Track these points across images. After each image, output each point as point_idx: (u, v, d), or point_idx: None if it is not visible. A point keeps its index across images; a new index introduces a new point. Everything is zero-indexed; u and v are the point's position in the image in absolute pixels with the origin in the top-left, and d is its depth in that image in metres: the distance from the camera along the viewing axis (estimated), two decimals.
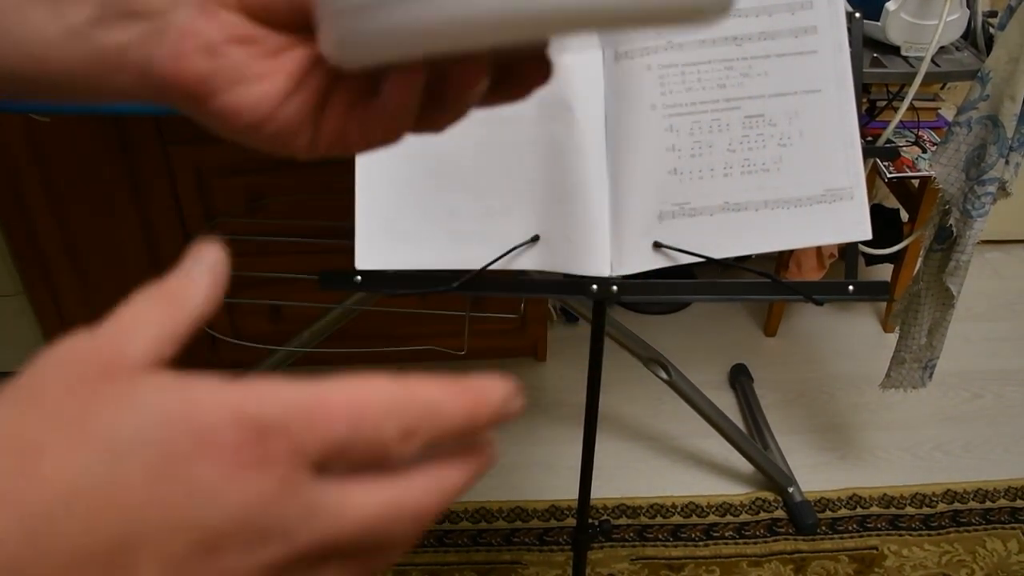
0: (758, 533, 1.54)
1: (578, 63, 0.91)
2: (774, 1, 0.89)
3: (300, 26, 0.30)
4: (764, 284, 0.94)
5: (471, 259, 0.90)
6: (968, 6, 1.16)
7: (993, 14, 1.19)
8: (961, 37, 1.22)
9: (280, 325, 1.71)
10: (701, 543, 1.53)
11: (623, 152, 0.90)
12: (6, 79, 0.31)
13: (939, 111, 1.77)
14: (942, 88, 1.78)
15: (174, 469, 0.18)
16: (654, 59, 0.90)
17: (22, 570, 0.16)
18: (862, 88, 0.93)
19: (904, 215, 1.91)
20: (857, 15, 0.94)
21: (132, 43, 0.30)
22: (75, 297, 1.67)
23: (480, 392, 0.23)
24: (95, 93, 0.31)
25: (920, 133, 1.76)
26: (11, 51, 0.30)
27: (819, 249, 1.80)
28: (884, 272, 2.06)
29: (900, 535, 1.54)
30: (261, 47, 0.30)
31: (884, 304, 2.04)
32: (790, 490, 1.58)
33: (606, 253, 0.90)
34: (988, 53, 1.16)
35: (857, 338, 2.00)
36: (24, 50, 0.30)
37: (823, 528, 1.55)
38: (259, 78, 0.30)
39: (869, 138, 1.61)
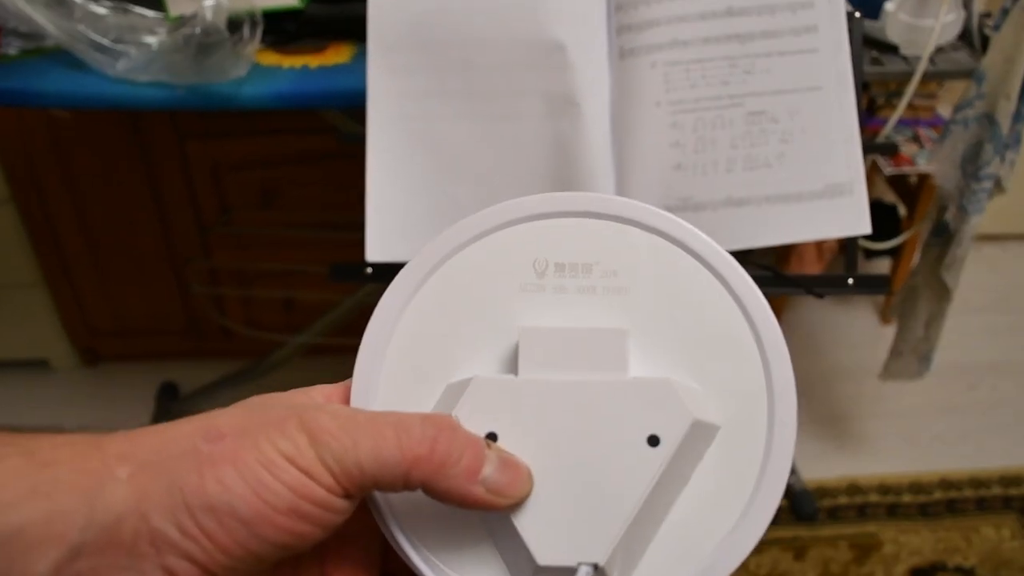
0: None
1: (585, 61, 0.93)
2: (776, 0, 0.92)
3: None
4: (766, 277, 0.96)
5: None
6: (965, 7, 1.18)
7: (989, 15, 1.22)
8: (958, 37, 1.24)
9: (293, 316, 1.74)
10: None
11: (628, 148, 0.92)
12: None
13: (936, 109, 1.80)
14: (939, 86, 1.80)
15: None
16: (659, 56, 0.91)
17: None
18: (862, 86, 0.95)
19: (902, 210, 1.94)
20: (857, 15, 0.95)
21: None
22: (93, 287, 1.70)
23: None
24: None
25: (918, 130, 1.79)
26: None
27: (819, 243, 1.82)
28: (882, 266, 2.09)
29: (897, 522, 1.57)
30: None
31: (882, 297, 2.06)
32: (790, 479, 1.61)
33: None
34: (984, 53, 1.18)
35: (856, 330, 2.03)
36: None
37: (822, 516, 1.58)
38: None
39: (869, 135, 1.64)
